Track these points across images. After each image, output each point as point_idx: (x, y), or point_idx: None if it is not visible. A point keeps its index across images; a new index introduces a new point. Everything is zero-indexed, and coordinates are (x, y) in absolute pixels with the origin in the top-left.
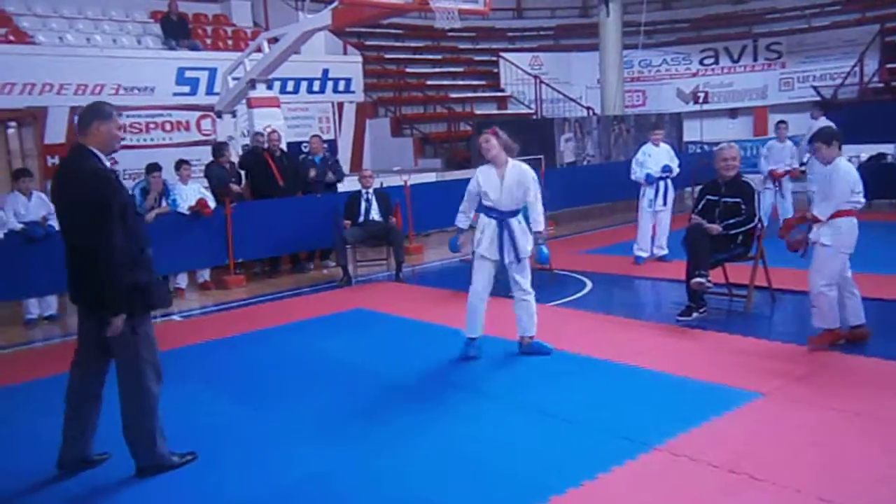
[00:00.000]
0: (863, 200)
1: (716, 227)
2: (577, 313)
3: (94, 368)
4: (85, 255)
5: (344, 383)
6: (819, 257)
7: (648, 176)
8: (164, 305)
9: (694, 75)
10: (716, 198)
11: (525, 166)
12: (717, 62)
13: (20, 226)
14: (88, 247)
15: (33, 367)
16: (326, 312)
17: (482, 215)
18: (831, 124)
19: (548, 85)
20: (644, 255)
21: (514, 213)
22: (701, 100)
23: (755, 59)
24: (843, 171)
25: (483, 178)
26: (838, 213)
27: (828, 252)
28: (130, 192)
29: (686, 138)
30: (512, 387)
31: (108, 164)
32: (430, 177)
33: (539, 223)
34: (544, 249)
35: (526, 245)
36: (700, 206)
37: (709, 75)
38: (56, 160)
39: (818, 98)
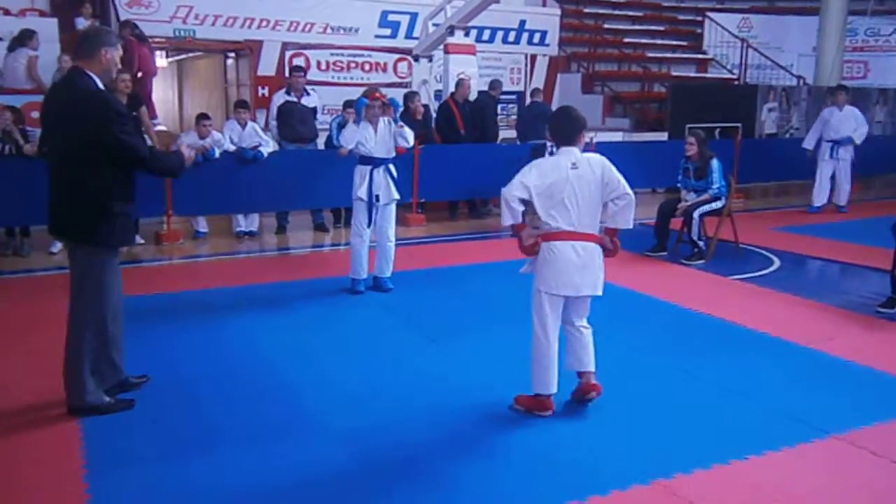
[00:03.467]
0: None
1: None
2: (760, 290)
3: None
4: (75, 181)
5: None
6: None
7: None
8: (129, 243)
9: None
10: None
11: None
12: None
13: (233, 147)
14: (81, 170)
15: (234, 275)
16: (501, 259)
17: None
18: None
19: (756, 49)
20: None
21: (388, 161)
22: None
23: None
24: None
25: (359, 132)
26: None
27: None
28: (328, 126)
29: None
30: (691, 358)
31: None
32: (617, 136)
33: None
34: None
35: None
36: None
37: None
38: (266, 91)
39: None
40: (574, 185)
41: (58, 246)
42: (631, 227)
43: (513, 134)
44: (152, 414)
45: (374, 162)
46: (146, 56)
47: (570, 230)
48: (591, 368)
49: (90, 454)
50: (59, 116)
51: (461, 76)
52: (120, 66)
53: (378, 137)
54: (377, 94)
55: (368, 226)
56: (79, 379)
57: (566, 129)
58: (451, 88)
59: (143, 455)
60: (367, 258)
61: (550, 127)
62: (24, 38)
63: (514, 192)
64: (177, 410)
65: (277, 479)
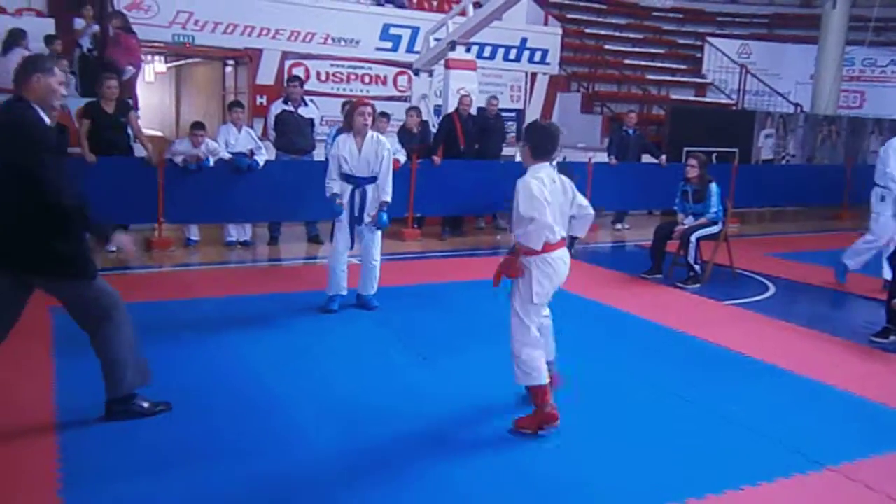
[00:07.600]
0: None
1: None
2: (755, 316)
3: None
4: (19, 211)
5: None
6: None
7: None
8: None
9: None
10: None
11: (384, 138)
12: None
13: (228, 155)
14: (25, 201)
15: (224, 285)
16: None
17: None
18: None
19: (754, 76)
20: None
21: (370, 181)
22: None
23: None
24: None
25: (342, 145)
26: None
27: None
28: (328, 137)
29: None
30: (686, 383)
31: (47, 119)
32: None
33: (387, 193)
34: (384, 216)
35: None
36: None
37: None
38: (264, 100)
39: None
40: (557, 199)
41: None
42: (584, 235)
43: (511, 151)
44: (130, 427)
45: (356, 181)
46: (134, 47)
47: (557, 241)
48: (552, 357)
49: (66, 468)
50: (2, 148)
51: (461, 92)
52: (62, 92)
53: (361, 155)
54: (365, 100)
55: (351, 247)
56: (123, 368)
57: (550, 144)
58: (451, 103)
59: (119, 469)
60: (345, 276)
61: (533, 139)
62: (18, 38)
63: (546, 214)
64: (155, 424)
65: (257, 496)
